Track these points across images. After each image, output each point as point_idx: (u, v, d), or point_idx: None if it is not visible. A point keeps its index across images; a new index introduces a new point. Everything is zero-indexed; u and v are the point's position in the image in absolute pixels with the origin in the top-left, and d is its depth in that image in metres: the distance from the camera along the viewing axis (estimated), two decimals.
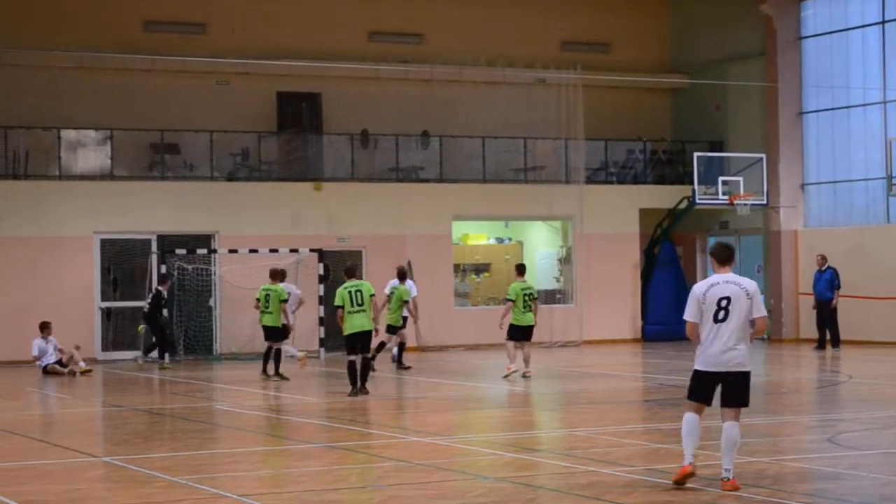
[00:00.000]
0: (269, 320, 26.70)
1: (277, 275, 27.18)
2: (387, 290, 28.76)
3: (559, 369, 29.45)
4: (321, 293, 33.09)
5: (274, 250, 33.21)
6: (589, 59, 38.90)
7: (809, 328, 35.34)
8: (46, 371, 29.12)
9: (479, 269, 39.49)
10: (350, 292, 22.94)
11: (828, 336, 33.55)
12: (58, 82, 34.49)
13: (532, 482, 13.53)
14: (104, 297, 33.08)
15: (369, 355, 23.80)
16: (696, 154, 37.43)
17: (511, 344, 26.59)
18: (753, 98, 38.37)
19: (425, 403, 22.79)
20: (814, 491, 12.87)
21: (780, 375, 28.05)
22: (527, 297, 26.67)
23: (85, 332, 32.56)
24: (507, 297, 26.96)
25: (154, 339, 31.51)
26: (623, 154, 39.73)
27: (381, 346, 28.28)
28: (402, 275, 29.28)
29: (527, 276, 27.74)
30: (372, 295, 23.18)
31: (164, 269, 32.44)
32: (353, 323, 22.88)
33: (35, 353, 29.48)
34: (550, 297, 38.22)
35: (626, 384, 25.98)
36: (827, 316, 33.61)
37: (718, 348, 12.77)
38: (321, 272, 33.28)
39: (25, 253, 32.33)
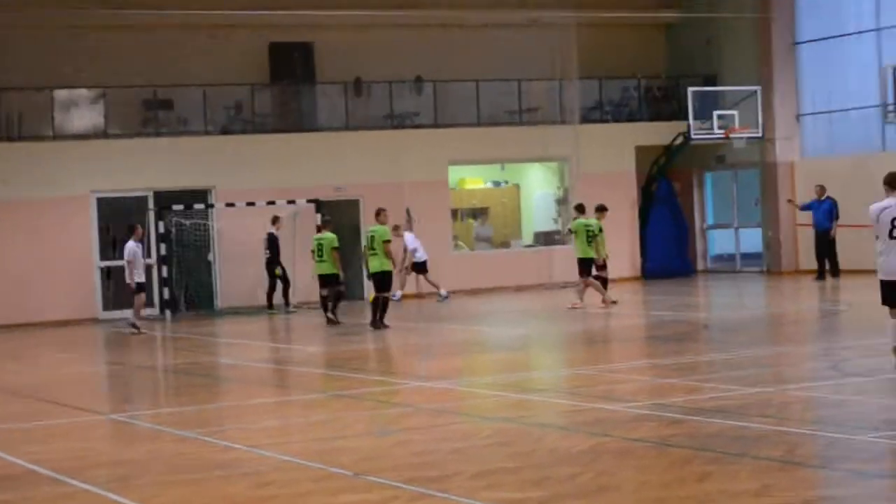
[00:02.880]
0: (324, 269, 27.37)
1: (326, 224, 28.02)
2: (570, 226, 29.34)
3: (560, 310, 29.45)
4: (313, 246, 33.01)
5: (271, 202, 33.17)
6: None
7: (808, 259, 35.34)
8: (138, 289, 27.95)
9: (477, 212, 39.47)
10: (369, 236, 25.57)
11: (827, 266, 33.54)
12: (48, 42, 34.28)
13: (538, 421, 13.59)
14: (103, 257, 33.05)
15: (387, 295, 25.64)
16: (690, 89, 37.26)
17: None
18: (747, 30, 38.15)
19: (428, 349, 22.85)
20: (820, 418, 12.95)
21: (780, 307, 28.15)
22: (589, 234, 28.09)
23: (85, 291, 32.61)
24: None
25: (273, 284, 32.05)
26: (618, 92, 39.61)
27: (605, 280, 28.76)
28: (582, 208, 29.57)
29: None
30: (386, 241, 25.25)
31: (161, 226, 32.45)
32: (369, 264, 25.62)
33: (129, 256, 27.82)
34: (549, 238, 38.26)
35: (628, 322, 26.03)
36: (826, 246, 33.59)
37: (894, 259, 15.29)
38: (319, 223, 33.22)
39: (23, 214, 32.22)
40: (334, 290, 27.33)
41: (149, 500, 10.43)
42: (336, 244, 27.10)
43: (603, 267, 28.67)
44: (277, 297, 32.15)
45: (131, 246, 27.84)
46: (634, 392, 15.22)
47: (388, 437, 12.86)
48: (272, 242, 32.07)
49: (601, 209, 29.38)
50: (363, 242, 26.68)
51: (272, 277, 32.06)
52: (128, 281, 28.01)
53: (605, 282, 28.71)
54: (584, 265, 28.33)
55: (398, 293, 32.24)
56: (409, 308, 30.81)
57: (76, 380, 20.98)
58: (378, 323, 25.17)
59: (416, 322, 26.41)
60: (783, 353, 18.80)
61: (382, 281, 25.34)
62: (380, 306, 25.29)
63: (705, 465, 10.62)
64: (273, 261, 32.00)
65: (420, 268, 33.02)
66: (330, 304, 27.18)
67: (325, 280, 27.32)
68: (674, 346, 20.53)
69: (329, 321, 26.94)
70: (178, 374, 20.86)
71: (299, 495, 10.36)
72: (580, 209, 29.38)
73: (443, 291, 32.72)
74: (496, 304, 31.75)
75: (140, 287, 27.95)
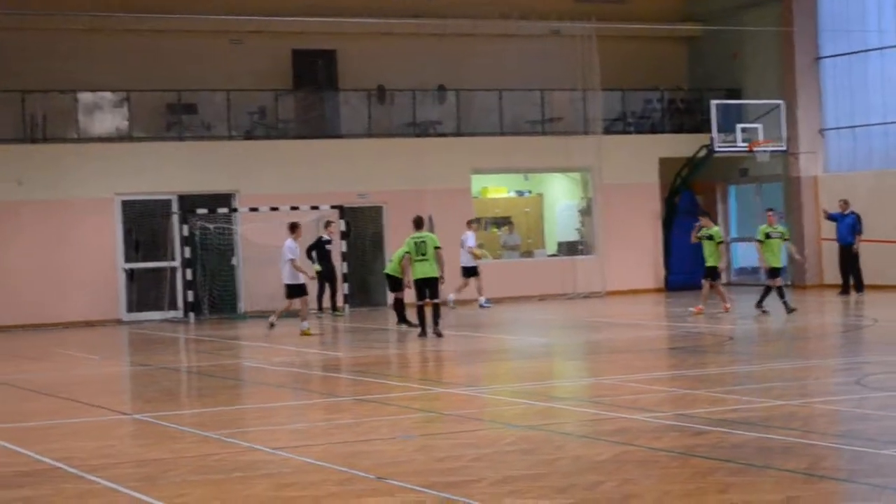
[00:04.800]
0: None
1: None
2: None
3: (583, 320, 29.48)
4: (343, 249, 33.14)
5: (295, 207, 33.26)
6: (603, 10, 38.76)
7: (833, 274, 35.29)
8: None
9: (500, 222, 39.47)
10: (416, 242, 25.16)
11: (851, 281, 33.48)
12: (72, 45, 34.48)
13: (561, 429, 13.58)
14: (127, 259, 33.17)
15: (439, 301, 25.51)
16: (713, 102, 37.28)
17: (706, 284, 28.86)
18: (770, 44, 38.19)
19: (451, 356, 22.84)
20: (844, 432, 12.91)
21: (805, 320, 28.05)
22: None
23: (109, 293, 32.74)
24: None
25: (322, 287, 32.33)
26: (640, 104, 39.65)
27: (768, 290, 28.22)
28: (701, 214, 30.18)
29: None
30: (437, 247, 25.19)
31: (185, 229, 32.54)
32: (417, 270, 25.09)
33: (290, 255, 26.79)
34: (572, 248, 38.29)
35: (651, 333, 26.01)
36: (850, 261, 33.54)
37: None
38: (343, 228, 33.31)
39: (47, 216, 32.40)
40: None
41: (172, 499, 10.45)
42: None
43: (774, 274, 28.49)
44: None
45: (291, 245, 26.93)
46: (658, 402, 15.21)
47: (412, 442, 12.87)
48: (319, 245, 32.24)
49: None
50: (403, 249, 26.06)
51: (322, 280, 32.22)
52: (289, 282, 27.02)
53: (770, 290, 28.19)
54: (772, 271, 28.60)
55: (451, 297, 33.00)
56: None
57: (100, 380, 21.05)
58: (438, 330, 25.07)
59: (441, 329, 26.33)
60: (807, 366, 18.75)
61: (435, 287, 25.32)
62: (436, 313, 25.18)
63: (729, 475, 10.60)
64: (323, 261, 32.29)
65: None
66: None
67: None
68: (697, 357, 20.52)
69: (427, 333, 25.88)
70: (201, 376, 20.91)
71: (321, 497, 10.37)
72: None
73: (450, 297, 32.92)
74: (520, 313, 31.75)
75: (303, 289, 27.14)
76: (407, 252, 25.46)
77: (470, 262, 33.36)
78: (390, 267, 27.97)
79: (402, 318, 27.68)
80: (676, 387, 16.60)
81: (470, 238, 33.41)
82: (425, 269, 25.16)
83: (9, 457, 12.92)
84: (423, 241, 25.25)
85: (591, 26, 37.48)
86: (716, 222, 31.01)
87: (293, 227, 27.42)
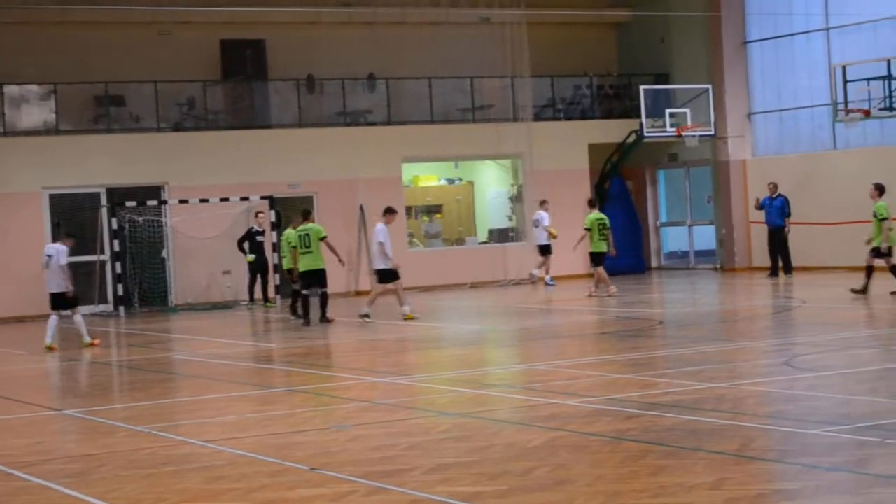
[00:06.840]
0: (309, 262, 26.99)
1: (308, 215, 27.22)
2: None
3: (515, 306, 29.54)
4: (274, 240, 33.03)
5: (225, 199, 33.11)
6: None
7: (762, 256, 35.55)
8: None
9: (431, 210, 39.47)
10: (300, 235, 25.94)
11: (780, 263, 33.74)
12: None
13: (494, 416, 13.61)
14: None
15: (327, 290, 26.54)
16: (642, 87, 37.40)
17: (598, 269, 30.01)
18: (697, 29, 38.35)
19: (384, 345, 22.81)
20: (773, 413, 13.02)
21: (734, 303, 28.28)
22: (601, 227, 29.77)
23: (38, 288, 32.35)
24: (585, 226, 30.32)
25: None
26: (570, 90, 39.72)
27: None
28: (592, 203, 31.77)
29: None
30: (322, 238, 25.84)
31: (114, 222, 32.30)
32: (303, 262, 25.95)
33: (381, 238, 26.14)
34: (503, 235, 38.33)
35: (583, 318, 26.09)
36: (779, 243, 33.79)
37: None
38: (273, 219, 33.19)
39: None
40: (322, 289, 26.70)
41: (104, 495, 10.39)
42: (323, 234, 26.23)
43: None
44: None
45: (381, 228, 26.11)
46: (590, 387, 15.27)
47: (345, 432, 12.86)
48: (249, 235, 32.48)
49: None
50: (291, 243, 26.71)
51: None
52: (379, 266, 26.30)
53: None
54: (595, 258, 30.31)
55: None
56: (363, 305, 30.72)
57: (29, 375, 20.86)
58: (326, 317, 26.15)
59: (373, 318, 26.30)
60: (737, 349, 18.90)
61: (322, 277, 26.13)
62: (323, 301, 26.33)
63: (660, 458, 10.68)
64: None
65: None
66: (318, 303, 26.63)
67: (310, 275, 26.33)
68: (628, 342, 20.62)
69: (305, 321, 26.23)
70: (132, 370, 20.78)
71: (254, 489, 10.34)
72: (591, 204, 31.38)
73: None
74: (451, 301, 31.77)
75: (395, 273, 26.18)
76: (294, 246, 26.22)
77: (546, 241, 34.65)
78: (286, 261, 28.40)
79: (293, 310, 27.86)
80: (608, 371, 16.69)
81: (545, 217, 34.77)
82: (310, 262, 25.98)
83: None
84: (307, 234, 25.95)
85: (521, 13, 37.46)
86: (593, 209, 31.15)
87: (387, 212, 26.54)
